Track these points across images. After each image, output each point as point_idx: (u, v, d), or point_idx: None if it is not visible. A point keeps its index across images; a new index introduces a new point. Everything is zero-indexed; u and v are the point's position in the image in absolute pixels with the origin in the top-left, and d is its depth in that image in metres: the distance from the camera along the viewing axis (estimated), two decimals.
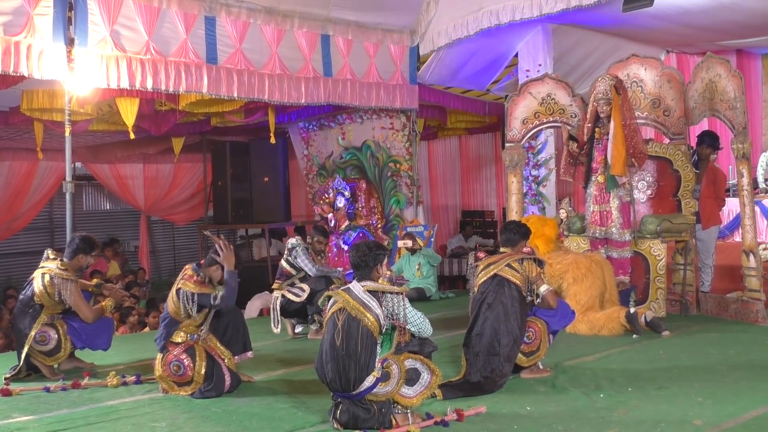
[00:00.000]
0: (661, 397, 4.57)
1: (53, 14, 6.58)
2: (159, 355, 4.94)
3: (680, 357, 5.62)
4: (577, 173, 7.53)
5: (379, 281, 4.16)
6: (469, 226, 13.59)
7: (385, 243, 10.06)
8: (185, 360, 4.82)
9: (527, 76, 9.00)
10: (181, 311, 4.83)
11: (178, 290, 4.87)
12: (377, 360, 3.97)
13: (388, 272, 4.28)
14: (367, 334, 3.95)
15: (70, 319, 5.49)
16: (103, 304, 5.64)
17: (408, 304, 4.07)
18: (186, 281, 4.89)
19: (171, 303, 4.88)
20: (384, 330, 4.01)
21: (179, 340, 4.88)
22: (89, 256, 5.67)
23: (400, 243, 9.34)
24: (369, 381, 3.92)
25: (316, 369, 4.13)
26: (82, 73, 6.79)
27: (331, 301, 4.16)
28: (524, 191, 8.88)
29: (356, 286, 4.10)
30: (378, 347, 4.00)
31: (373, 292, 4.04)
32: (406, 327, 4.07)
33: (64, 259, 5.55)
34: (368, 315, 3.96)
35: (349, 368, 3.93)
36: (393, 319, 4.01)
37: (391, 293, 4.04)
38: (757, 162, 10.10)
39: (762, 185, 9.66)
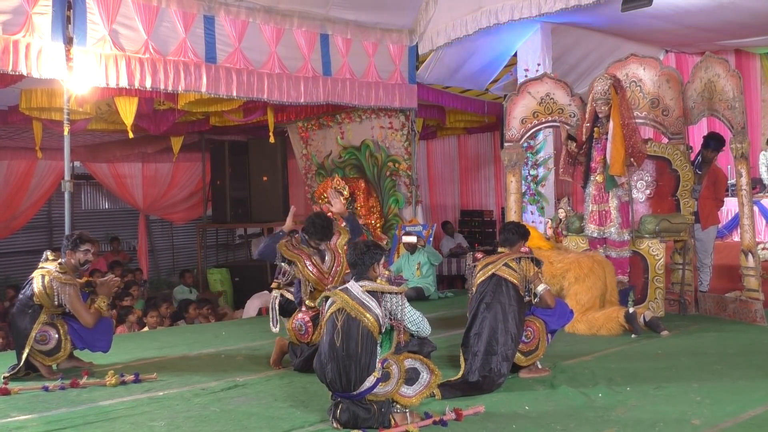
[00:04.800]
0: (659, 396, 4.57)
1: (52, 13, 6.58)
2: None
3: (678, 356, 5.63)
4: (576, 173, 7.54)
5: (378, 281, 4.16)
6: (449, 224, 13.48)
7: (384, 242, 10.07)
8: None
9: (526, 76, 9.01)
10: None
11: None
12: (377, 360, 3.97)
13: (387, 272, 4.31)
14: (366, 334, 3.95)
15: (70, 320, 5.47)
16: (97, 305, 5.57)
17: (407, 304, 4.08)
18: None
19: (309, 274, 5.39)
20: (383, 330, 4.02)
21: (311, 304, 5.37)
22: (78, 252, 5.51)
23: (405, 238, 9.35)
24: (369, 381, 3.92)
25: (316, 369, 4.12)
26: (81, 72, 6.79)
27: (329, 301, 4.15)
28: (523, 191, 8.88)
29: (354, 286, 4.09)
30: (378, 347, 4.00)
31: (372, 292, 4.04)
32: (405, 326, 4.08)
33: (62, 261, 5.52)
34: (368, 315, 3.95)
35: (350, 369, 3.92)
36: (392, 319, 4.02)
37: (390, 293, 4.05)
38: (757, 162, 10.12)
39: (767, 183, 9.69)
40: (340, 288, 4.18)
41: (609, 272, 6.78)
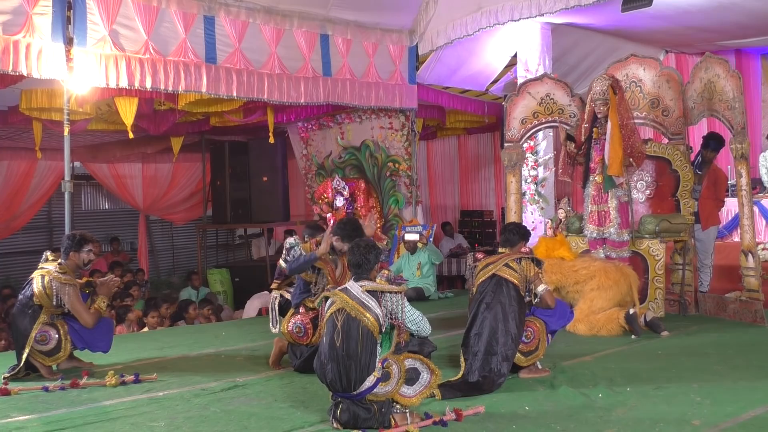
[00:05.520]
0: (659, 397, 4.57)
1: (52, 14, 6.58)
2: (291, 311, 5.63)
3: (679, 357, 5.63)
4: (576, 173, 7.54)
5: (377, 280, 4.16)
6: (448, 225, 13.51)
7: (384, 242, 10.08)
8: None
9: (526, 76, 9.01)
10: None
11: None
12: (378, 360, 3.97)
13: (387, 272, 4.35)
14: (367, 334, 3.95)
15: (70, 320, 5.47)
16: (96, 305, 5.57)
17: (407, 304, 4.09)
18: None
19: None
20: (383, 330, 4.02)
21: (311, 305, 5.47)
22: (82, 252, 5.56)
23: (407, 236, 9.35)
24: (369, 381, 3.93)
25: (316, 369, 4.13)
26: (81, 72, 6.79)
27: (329, 301, 4.15)
28: (523, 191, 8.88)
29: (354, 286, 4.09)
30: (378, 347, 4.00)
31: (372, 292, 4.04)
32: (405, 326, 4.08)
33: (62, 261, 5.52)
34: (368, 315, 3.96)
35: (350, 369, 3.93)
36: (392, 319, 4.02)
37: (390, 293, 4.05)
38: (757, 162, 10.13)
39: None
40: (339, 288, 4.18)
41: (634, 285, 6.68)
